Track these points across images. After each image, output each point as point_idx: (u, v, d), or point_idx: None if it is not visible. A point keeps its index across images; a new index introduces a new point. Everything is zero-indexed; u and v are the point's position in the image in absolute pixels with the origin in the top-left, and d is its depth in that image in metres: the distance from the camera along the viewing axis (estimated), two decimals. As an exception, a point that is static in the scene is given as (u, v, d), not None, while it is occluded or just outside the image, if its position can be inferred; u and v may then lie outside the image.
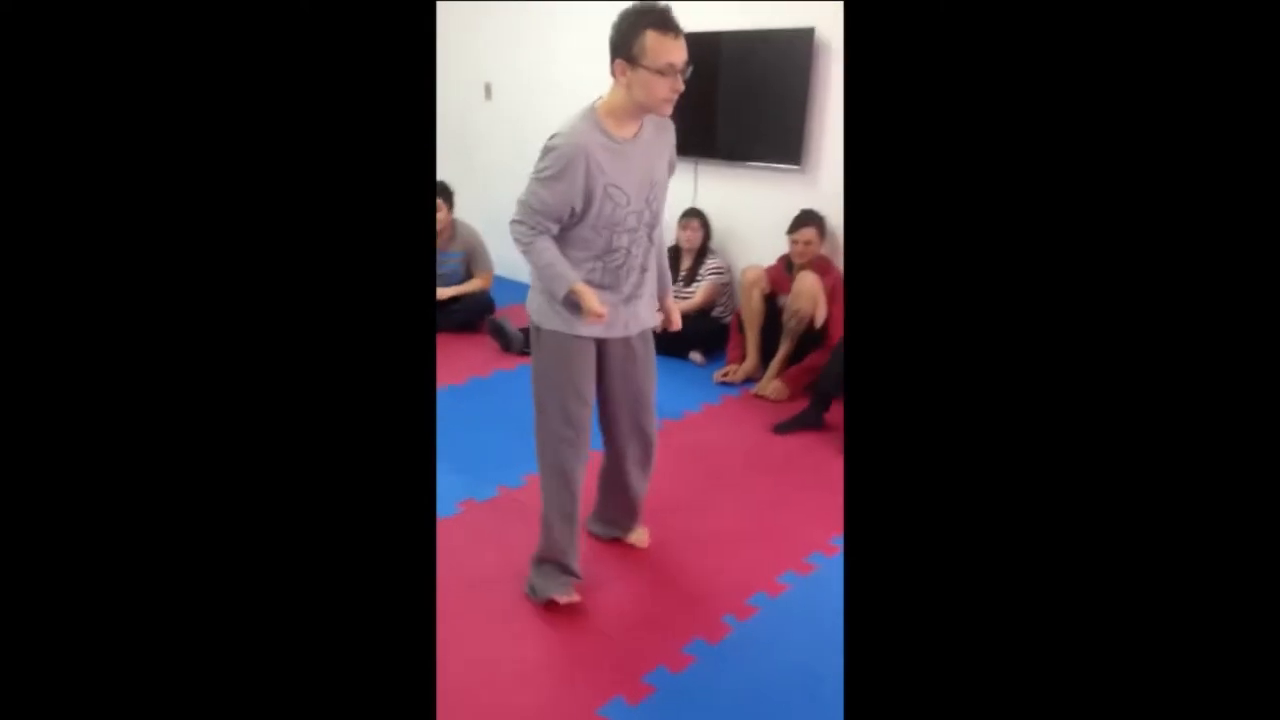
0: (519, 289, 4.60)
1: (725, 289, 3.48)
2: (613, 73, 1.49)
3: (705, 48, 3.31)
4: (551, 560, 1.78)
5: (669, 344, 3.38)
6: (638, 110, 1.52)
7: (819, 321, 3.01)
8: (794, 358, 3.08)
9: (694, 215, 3.41)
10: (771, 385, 3.02)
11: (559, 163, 1.48)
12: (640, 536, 2.03)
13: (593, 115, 1.53)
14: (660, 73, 1.44)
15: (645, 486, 1.94)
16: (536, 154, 1.54)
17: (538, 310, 1.67)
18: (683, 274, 3.49)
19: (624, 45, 1.45)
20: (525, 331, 3.42)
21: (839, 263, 3.17)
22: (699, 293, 3.43)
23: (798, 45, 3.00)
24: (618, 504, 1.97)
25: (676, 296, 3.52)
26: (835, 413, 2.74)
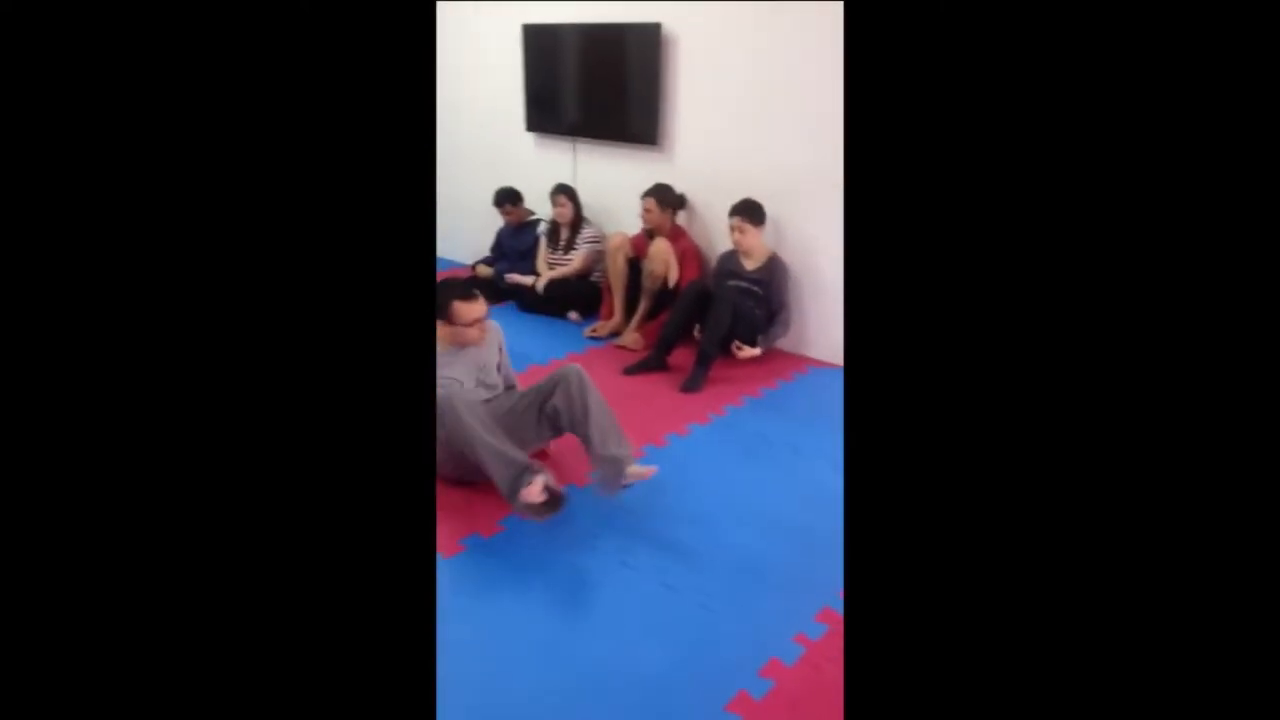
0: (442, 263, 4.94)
1: (601, 255, 3.88)
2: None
3: (574, 39, 3.71)
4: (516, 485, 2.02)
5: (550, 305, 3.79)
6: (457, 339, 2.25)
7: (671, 282, 3.45)
8: (653, 314, 3.51)
9: (561, 191, 3.80)
10: (630, 337, 3.45)
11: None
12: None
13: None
14: (468, 325, 2.19)
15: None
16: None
17: None
18: (561, 244, 3.90)
19: (441, 311, 2.18)
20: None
21: (695, 232, 3.62)
22: (576, 259, 3.84)
23: (648, 38, 3.43)
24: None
25: (556, 264, 3.95)
26: (676, 356, 3.18)
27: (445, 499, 2.19)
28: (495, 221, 4.25)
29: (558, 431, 2.25)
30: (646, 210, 3.46)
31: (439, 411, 2.01)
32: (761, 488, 2.32)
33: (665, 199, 3.48)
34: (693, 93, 3.48)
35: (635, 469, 2.15)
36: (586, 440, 2.13)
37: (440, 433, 2.03)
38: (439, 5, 4.36)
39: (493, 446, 2.00)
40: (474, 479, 2.17)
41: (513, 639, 1.66)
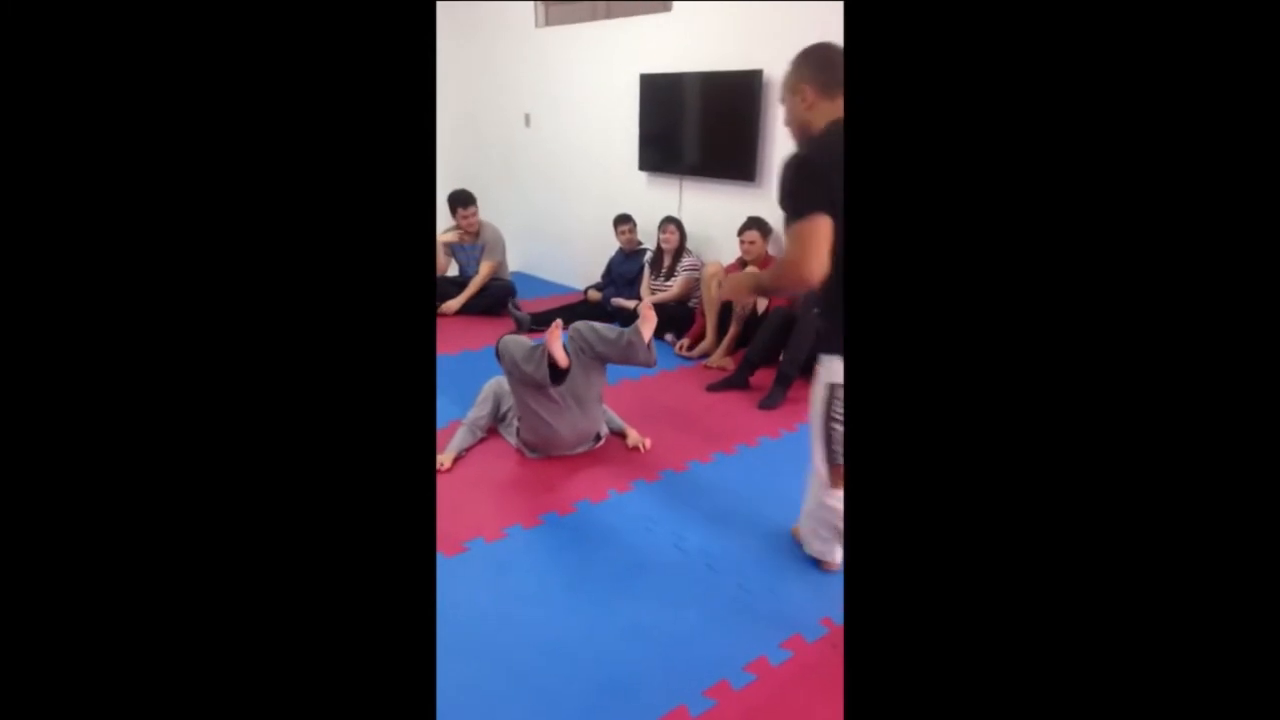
0: (536, 283, 5.40)
1: (698, 282, 4.14)
2: None
3: (686, 86, 4.04)
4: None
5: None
6: None
7: (760, 309, 3.64)
8: (743, 340, 3.71)
9: (670, 221, 4.12)
10: (719, 359, 3.66)
11: None
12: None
13: None
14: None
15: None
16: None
17: None
18: (664, 270, 4.20)
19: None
20: (532, 315, 4.21)
21: (786, 262, 3.81)
22: (676, 285, 4.12)
23: (751, 83, 3.70)
24: None
25: (657, 290, 4.24)
26: (759, 376, 3.36)
27: (534, 479, 2.49)
28: (607, 251, 4.63)
29: (604, 360, 2.62)
30: (750, 243, 3.66)
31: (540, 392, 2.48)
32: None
33: (765, 229, 3.70)
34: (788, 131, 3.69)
35: (642, 327, 2.54)
36: (609, 354, 2.56)
37: (544, 408, 2.52)
38: (565, 59, 4.86)
39: (620, 343, 2.56)
40: (556, 452, 2.65)
41: (573, 592, 1.91)
